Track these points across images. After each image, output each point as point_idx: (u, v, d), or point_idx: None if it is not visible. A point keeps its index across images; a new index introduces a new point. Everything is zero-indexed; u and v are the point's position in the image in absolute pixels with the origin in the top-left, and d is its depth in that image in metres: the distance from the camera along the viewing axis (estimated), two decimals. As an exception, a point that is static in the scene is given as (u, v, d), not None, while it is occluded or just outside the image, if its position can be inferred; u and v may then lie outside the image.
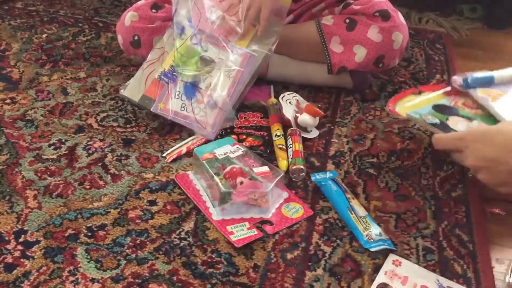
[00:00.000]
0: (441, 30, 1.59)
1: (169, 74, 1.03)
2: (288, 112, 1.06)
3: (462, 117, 0.94)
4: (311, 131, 1.05)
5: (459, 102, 0.98)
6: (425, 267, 0.76)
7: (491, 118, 0.94)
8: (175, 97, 1.02)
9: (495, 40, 1.59)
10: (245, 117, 1.07)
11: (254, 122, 1.05)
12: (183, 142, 0.99)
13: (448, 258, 0.78)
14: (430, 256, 0.78)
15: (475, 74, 1.01)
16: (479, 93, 0.98)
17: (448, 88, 1.04)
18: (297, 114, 1.04)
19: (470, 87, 1.00)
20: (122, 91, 1.06)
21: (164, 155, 0.96)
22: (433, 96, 1.01)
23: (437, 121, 0.91)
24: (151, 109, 1.03)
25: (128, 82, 1.07)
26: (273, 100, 1.11)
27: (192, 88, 1.01)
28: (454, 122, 0.92)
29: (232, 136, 1.00)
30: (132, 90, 1.05)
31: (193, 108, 1.00)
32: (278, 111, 1.07)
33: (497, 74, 1.01)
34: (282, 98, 1.09)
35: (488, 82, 1.00)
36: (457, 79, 1.02)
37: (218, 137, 1.00)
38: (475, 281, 0.74)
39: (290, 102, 1.08)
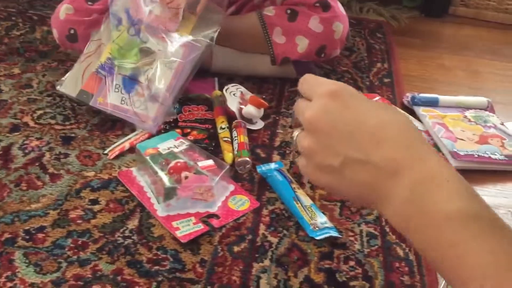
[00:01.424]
0: (381, 19, 1.63)
1: (106, 67, 1.00)
2: (233, 104, 1.05)
3: None
4: (256, 122, 1.05)
5: None
6: (369, 252, 0.78)
7: None
8: (114, 91, 0.99)
9: (432, 28, 1.65)
10: (189, 110, 1.05)
11: (199, 115, 1.04)
12: (125, 138, 0.97)
13: (391, 242, 0.80)
14: (373, 241, 0.80)
15: (423, 94, 1.15)
16: (421, 111, 1.10)
17: (377, 98, 1.13)
18: (241, 106, 1.04)
19: (416, 105, 1.13)
20: (58, 87, 1.02)
21: (106, 151, 0.93)
22: None
23: None
24: (90, 104, 0.99)
25: (64, 77, 1.03)
26: (217, 92, 1.10)
27: (131, 81, 0.99)
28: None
29: (177, 130, 0.99)
30: (69, 85, 1.02)
31: (133, 102, 0.98)
32: (223, 103, 1.06)
33: (442, 97, 1.15)
34: (226, 90, 1.08)
35: (432, 103, 1.14)
36: (407, 96, 1.16)
37: (162, 131, 0.99)
38: (416, 263, 0.77)
39: (234, 94, 1.08)
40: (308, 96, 0.51)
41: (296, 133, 0.53)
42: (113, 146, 0.95)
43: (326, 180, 0.49)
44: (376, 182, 0.46)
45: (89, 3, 1.11)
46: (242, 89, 1.10)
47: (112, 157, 0.92)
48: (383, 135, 0.46)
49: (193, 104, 1.07)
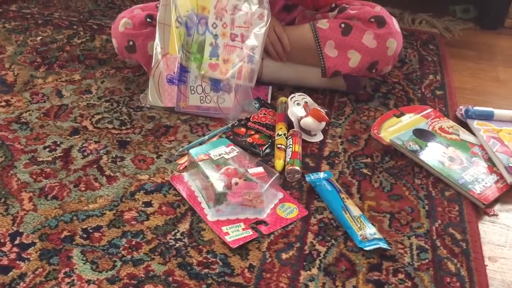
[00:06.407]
0: (434, 30, 1.60)
1: (175, 77, 1.08)
2: (293, 113, 1.06)
3: (439, 143, 1.02)
4: (315, 135, 1.05)
5: (436, 127, 1.06)
6: (419, 266, 0.77)
7: (465, 144, 1.02)
8: (190, 93, 1.08)
9: (487, 40, 1.61)
10: (264, 113, 1.07)
11: (270, 121, 1.06)
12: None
13: (442, 257, 0.79)
14: (424, 255, 0.79)
15: (478, 108, 1.12)
16: (475, 124, 1.07)
17: (428, 110, 1.12)
18: (301, 116, 1.04)
19: (470, 118, 1.10)
20: (145, 104, 1.11)
21: (176, 153, 0.97)
22: (412, 120, 1.09)
23: (417, 148, 0.99)
24: (176, 110, 1.09)
25: (145, 92, 1.11)
26: (283, 98, 1.11)
27: (217, 81, 1.07)
28: (431, 150, 0.99)
29: (242, 128, 1.03)
30: (153, 98, 1.10)
31: (211, 98, 1.08)
32: (286, 110, 1.07)
33: (497, 111, 1.11)
34: (291, 99, 1.09)
35: (487, 116, 1.10)
36: (461, 109, 1.13)
37: (230, 126, 1.04)
38: (468, 280, 0.75)
39: (298, 103, 1.08)
40: None
41: None
42: (182, 150, 0.98)
43: None
44: None
45: (148, 20, 1.14)
46: (308, 99, 1.10)
47: (181, 168, 0.94)
48: None
49: (272, 109, 1.10)
